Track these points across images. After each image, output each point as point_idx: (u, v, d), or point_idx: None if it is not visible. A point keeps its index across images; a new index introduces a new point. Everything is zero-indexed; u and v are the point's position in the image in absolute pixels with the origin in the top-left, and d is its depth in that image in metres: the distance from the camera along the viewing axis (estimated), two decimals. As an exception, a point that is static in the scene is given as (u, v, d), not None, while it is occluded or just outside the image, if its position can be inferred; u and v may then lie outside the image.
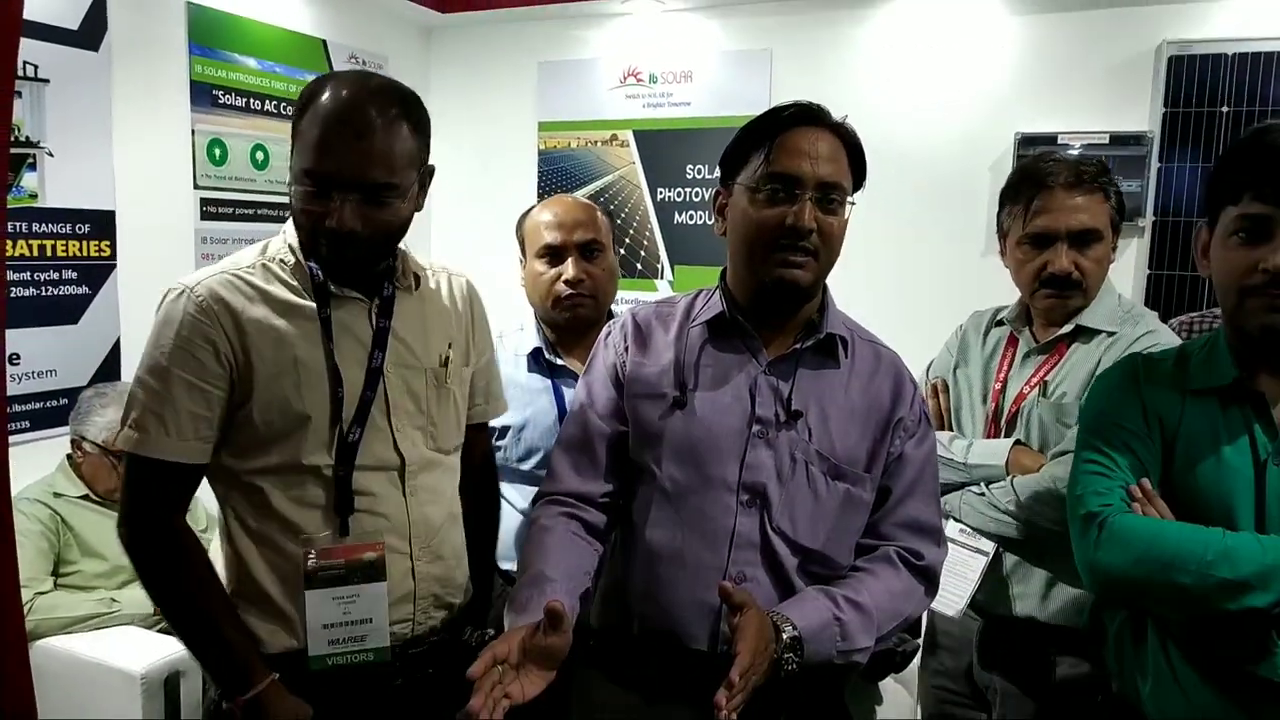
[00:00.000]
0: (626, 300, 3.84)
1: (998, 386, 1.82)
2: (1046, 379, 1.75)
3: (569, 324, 1.92)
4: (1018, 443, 1.72)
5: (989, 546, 1.74)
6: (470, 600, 1.58)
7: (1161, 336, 1.70)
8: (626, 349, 1.45)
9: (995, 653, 1.79)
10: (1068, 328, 1.75)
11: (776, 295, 1.36)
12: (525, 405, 1.92)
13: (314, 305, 1.39)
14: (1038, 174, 1.74)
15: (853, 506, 1.37)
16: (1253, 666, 1.22)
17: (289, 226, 1.43)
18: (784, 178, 1.32)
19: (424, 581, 1.46)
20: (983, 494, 1.72)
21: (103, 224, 2.87)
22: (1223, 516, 1.26)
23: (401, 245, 1.47)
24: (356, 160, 1.31)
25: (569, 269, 1.88)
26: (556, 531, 1.37)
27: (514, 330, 2.02)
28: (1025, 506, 1.64)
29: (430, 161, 1.44)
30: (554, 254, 1.90)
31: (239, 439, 1.37)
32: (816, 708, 1.33)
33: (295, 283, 1.40)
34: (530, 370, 1.94)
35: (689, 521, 1.35)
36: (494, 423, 1.90)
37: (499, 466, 1.92)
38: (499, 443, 1.93)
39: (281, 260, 1.41)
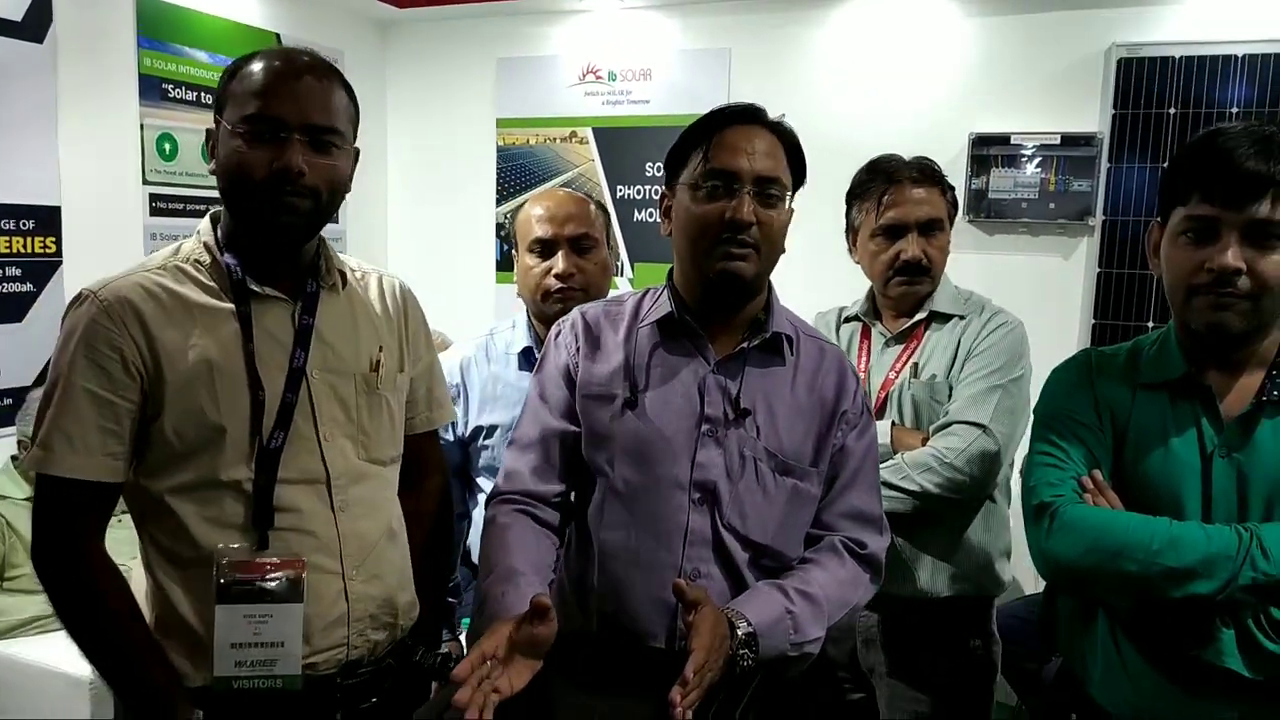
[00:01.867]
0: (586, 298, 3.85)
1: (861, 377, 1.90)
2: (914, 360, 1.88)
3: (559, 318, 1.90)
4: (893, 424, 1.85)
5: None
6: (419, 621, 1.49)
7: (1008, 317, 1.88)
8: (578, 349, 1.45)
9: (891, 635, 1.91)
10: (921, 314, 1.91)
11: (721, 288, 1.37)
12: (514, 404, 1.86)
13: (231, 306, 1.30)
14: (887, 171, 1.91)
15: (800, 501, 1.39)
16: (1198, 652, 1.25)
17: (204, 225, 1.36)
18: (722, 174, 1.34)
19: (359, 602, 1.35)
20: None
21: (48, 220, 2.81)
22: (1171, 506, 1.29)
23: (325, 237, 1.40)
24: (304, 101, 1.27)
25: (559, 263, 1.84)
26: (516, 528, 1.37)
27: (505, 327, 1.99)
28: (920, 481, 1.75)
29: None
30: (545, 248, 1.87)
31: (151, 456, 1.28)
32: (779, 702, 1.34)
33: (211, 283, 1.31)
34: (520, 368, 1.91)
35: (642, 521, 1.35)
36: (482, 421, 1.91)
37: (486, 467, 1.91)
38: (487, 442, 1.90)
39: (196, 260, 1.32)
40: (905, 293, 1.91)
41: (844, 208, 1.98)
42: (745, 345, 1.39)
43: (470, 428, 1.92)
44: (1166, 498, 1.31)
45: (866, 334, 1.98)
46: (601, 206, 1.99)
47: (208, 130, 1.33)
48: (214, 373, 1.27)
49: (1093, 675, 1.39)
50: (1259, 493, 1.27)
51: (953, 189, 1.95)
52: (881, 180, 1.90)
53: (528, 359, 1.91)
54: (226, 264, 1.31)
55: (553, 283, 1.85)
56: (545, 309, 1.88)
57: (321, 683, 1.33)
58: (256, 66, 1.28)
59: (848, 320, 2.03)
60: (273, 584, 1.28)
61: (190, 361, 1.26)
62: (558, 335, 1.49)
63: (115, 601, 1.27)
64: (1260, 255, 1.24)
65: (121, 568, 1.37)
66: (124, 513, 2.66)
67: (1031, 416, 1.50)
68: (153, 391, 1.26)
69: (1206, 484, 1.30)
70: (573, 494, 1.46)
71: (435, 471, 1.58)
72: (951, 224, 1.94)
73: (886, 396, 1.89)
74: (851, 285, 2.05)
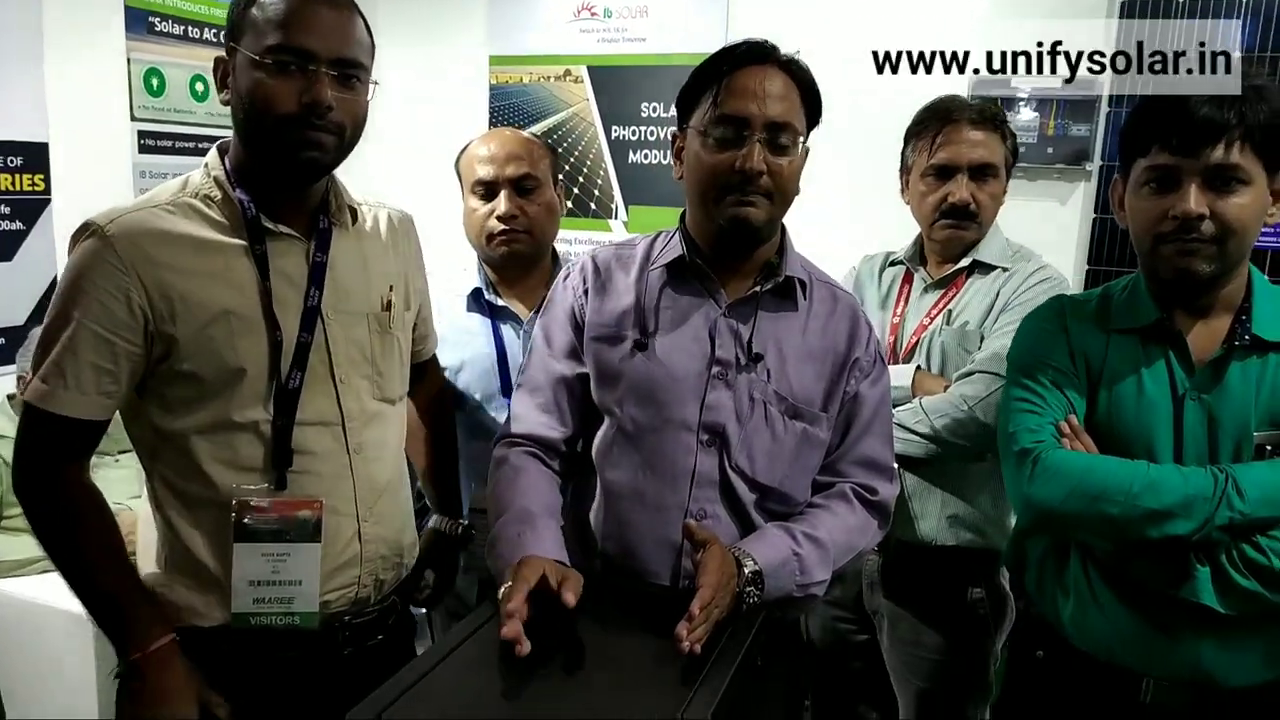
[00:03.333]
0: (579, 240, 3.81)
1: (895, 320, 1.93)
2: (950, 308, 1.87)
3: (505, 261, 1.88)
4: (918, 368, 1.84)
5: None
6: (440, 499, 1.65)
7: (1052, 272, 1.86)
8: (586, 292, 1.45)
9: (892, 579, 1.93)
10: (965, 262, 1.88)
11: (733, 236, 1.37)
12: (463, 346, 1.88)
13: (243, 243, 1.28)
14: (944, 110, 1.88)
15: (809, 445, 1.40)
16: (1174, 589, 1.30)
17: (211, 158, 1.33)
18: (732, 119, 1.32)
19: (371, 544, 1.38)
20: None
21: (36, 157, 2.76)
22: (1144, 449, 1.34)
23: (336, 174, 1.39)
24: (332, 33, 1.24)
25: (501, 204, 1.83)
26: (529, 470, 1.39)
27: (458, 271, 1.97)
28: (935, 425, 1.75)
29: (375, 94, 1.37)
30: (487, 189, 1.85)
31: (165, 395, 1.27)
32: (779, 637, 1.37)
33: (223, 219, 1.28)
34: (469, 310, 1.91)
35: (650, 461, 1.37)
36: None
37: None
38: None
39: (206, 196, 1.29)
40: (951, 237, 1.88)
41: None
42: (758, 289, 1.39)
43: None
44: (1140, 440, 1.35)
45: (909, 279, 1.97)
46: (549, 146, 1.96)
47: (218, 59, 1.29)
48: (230, 314, 1.25)
49: (1064, 615, 1.43)
50: (1229, 434, 1.32)
51: (1014, 136, 1.90)
52: (937, 119, 1.87)
53: (476, 301, 1.91)
54: (240, 200, 1.28)
55: (495, 225, 1.83)
56: (490, 252, 1.87)
57: (332, 620, 1.36)
58: None
59: (893, 264, 2.01)
60: (291, 524, 1.30)
61: (204, 302, 1.24)
62: (566, 278, 1.49)
63: (93, 521, 1.28)
64: (1221, 199, 1.28)
65: (120, 507, 1.39)
66: (122, 452, 2.67)
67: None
68: (160, 332, 1.24)
69: (1178, 426, 1.34)
70: (577, 439, 1.47)
71: (440, 393, 1.70)
72: (1009, 173, 1.89)
73: (917, 342, 1.87)
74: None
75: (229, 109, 1.30)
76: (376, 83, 1.34)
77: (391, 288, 1.43)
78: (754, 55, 1.35)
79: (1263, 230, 1.37)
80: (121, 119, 3.06)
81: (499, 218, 1.83)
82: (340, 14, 1.26)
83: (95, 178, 2.92)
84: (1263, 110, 1.27)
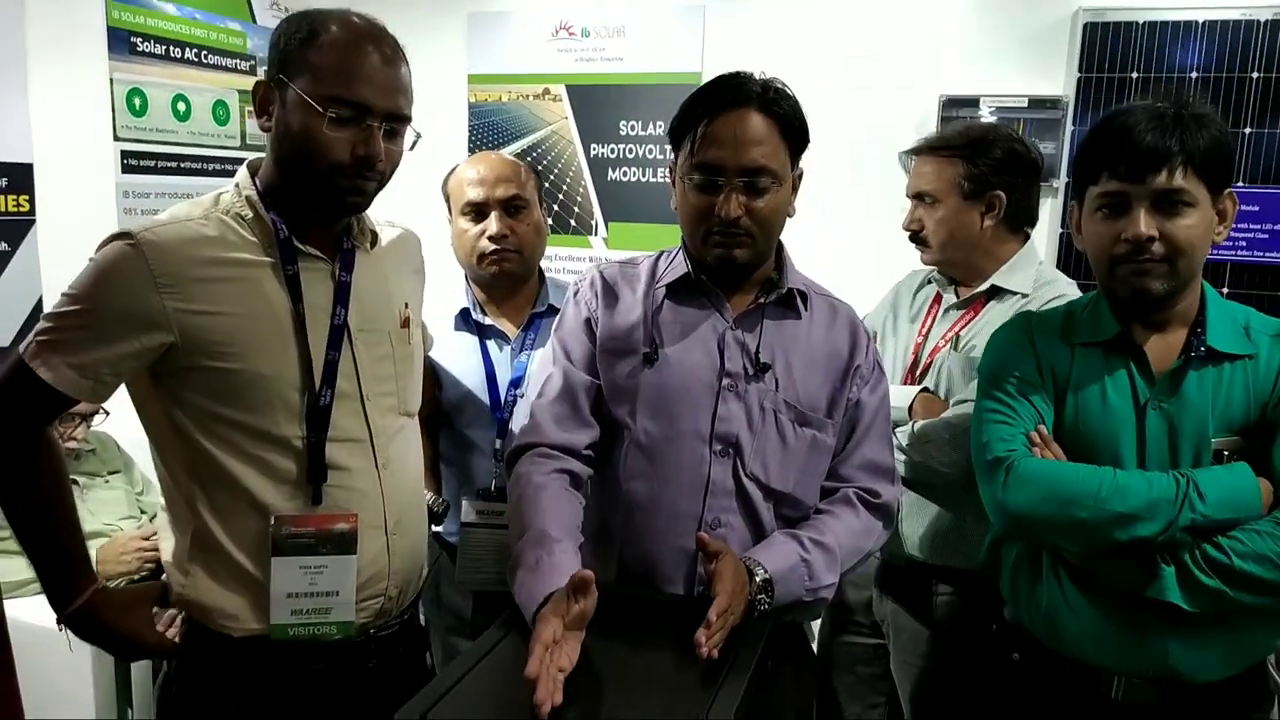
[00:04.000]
0: (560, 257, 3.86)
1: (919, 340, 1.96)
2: (959, 333, 1.89)
3: (495, 280, 1.93)
4: (925, 390, 1.87)
5: None
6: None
7: (1071, 300, 1.80)
8: (597, 305, 1.49)
9: (889, 588, 1.98)
10: (983, 286, 1.90)
11: (721, 273, 1.43)
12: (451, 364, 1.93)
13: (272, 262, 1.32)
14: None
15: (818, 450, 1.46)
16: (1141, 589, 1.37)
17: (243, 178, 1.36)
18: (708, 167, 1.38)
19: (397, 557, 1.42)
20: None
21: (21, 177, 2.76)
22: (1110, 456, 1.41)
23: None
24: (389, 88, 1.29)
25: (492, 224, 1.88)
26: (551, 489, 1.40)
27: (445, 292, 2.01)
28: (916, 448, 1.78)
29: None
30: (477, 210, 1.91)
31: (196, 405, 1.30)
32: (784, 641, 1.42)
33: (254, 238, 1.32)
34: (457, 329, 1.95)
35: (665, 472, 1.42)
36: None
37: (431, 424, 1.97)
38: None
39: (238, 215, 1.32)
40: (921, 257, 2.00)
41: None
42: (762, 300, 1.45)
43: None
44: (1105, 447, 1.42)
45: (939, 298, 2.01)
46: (533, 169, 2.02)
47: (259, 84, 1.31)
48: (261, 330, 1.29)
49: (1037, 617, 1.49)
50: (1189, 440, 1.39)
51: (967, 158, 1.89)
52: (906, 154, 2.00)
53: (465, 320, 1.96)
54: (273, 221, 1.31)
55: (487, 245, 1.89)
56: (480, 272, 1.93)
57: (359, 631, 1.40)
58: (338, 38, 1.27)
59: (928, 283, 2.05)
60: (328, 537, 1.34)
61: (235, 318, 1.28)
62: (576, 293, 1.54)
63: (50, 476, 1.33)
64: (1169, 221, 1.35)
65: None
66: (112, 473, 2.67)
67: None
68: (185, 346, 1.27)
69: (1141, 434, 1.41)
70: (596, 445, 1.50)
71: (430, 384, 1.67)
72: (971, 192, 1.89)
73: (933, 363, 1.90)
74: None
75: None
76: (419, 135, 1.40)
77: (407, 304, 1.48)
78: (732, 99, 1.39)
79: (1222, 244, 1.47)
80: (105, 139, 3.07)
81: (490, 238, 1.88)
82: (395, 68, 1.31)
83: (79, 198, 2.92)
84: (1203, 136, 1.34)
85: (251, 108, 1.37)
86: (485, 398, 1.91)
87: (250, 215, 1.33)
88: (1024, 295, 1.87)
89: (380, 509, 1.40)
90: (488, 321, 1.95)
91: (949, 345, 1.90)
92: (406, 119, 1.34)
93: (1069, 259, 3.28)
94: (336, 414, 1.35)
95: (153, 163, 3.22)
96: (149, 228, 1.28)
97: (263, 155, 1.38)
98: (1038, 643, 1.50)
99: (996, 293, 1.90)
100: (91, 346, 1.26)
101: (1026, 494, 1.39)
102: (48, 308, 2.70)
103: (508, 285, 1.95)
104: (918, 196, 1.95)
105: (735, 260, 1.40)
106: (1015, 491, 1.40)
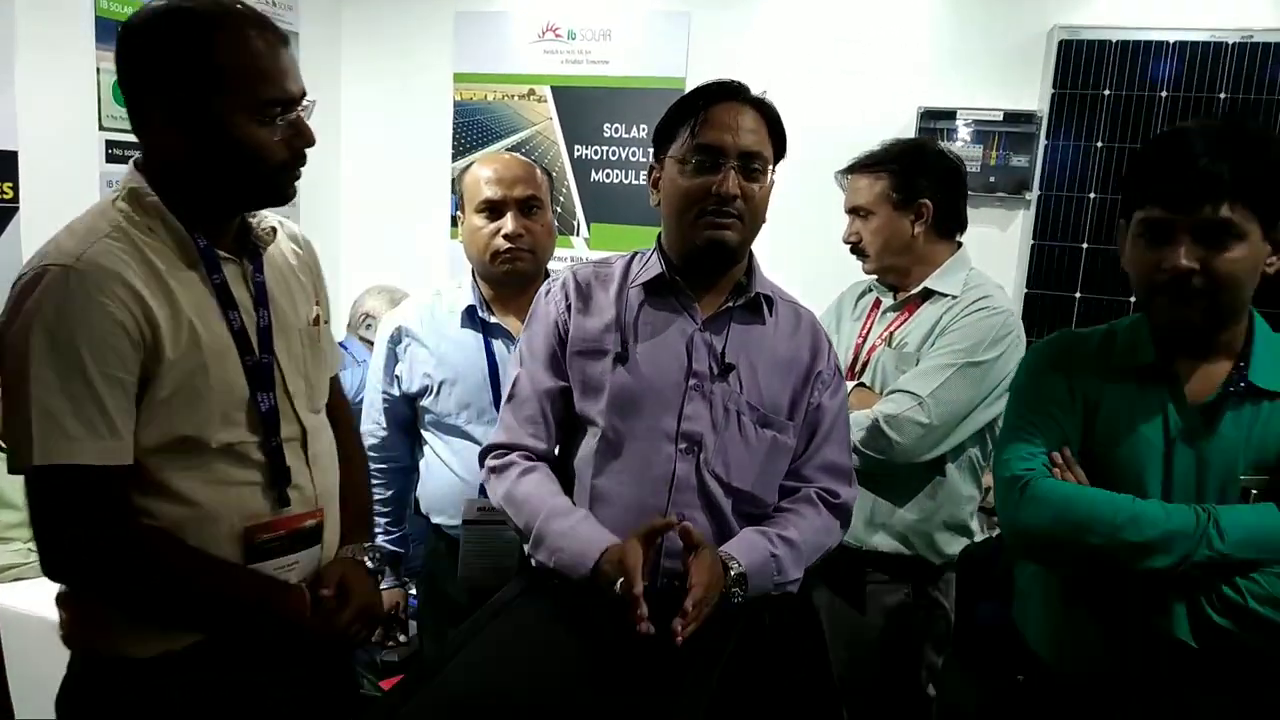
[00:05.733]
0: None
1: (859, 340, 2.10)
2: (894, 332, 2.02)
3: (507, 278, 1.95)
4: (860, 385, 2.00)
5: None
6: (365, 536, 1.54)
7: (993, 301, 1.97)
8: (569, 306, 1.54)
9: (830, 576, 2.04)
10: (916, 290, 2.04)
11: (708, 256, 1.48)
12: (457, 361, 1.95)
13: (193, 273, 1.26)
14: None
15: (778, 451, 1.51)
16: (1151, 622, 1.33)
17: (140, 183, 1.26)
18: (709, 149, 1.44)
19: (329, 549, 1.43)
20: None
21: (5, 165, 2.77)
22: (1134, 485, 1.36)
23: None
24: (295, 70, 1.27)
25: (508, 223, 1.90)
26: (540, 469, 1.50)
27: (454, 287, 2.05)
28: (853, 438, 1.82)
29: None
30: (493, 209, 1.92)
31: (152, 432, 1.22)
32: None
33: (168, 247, 1.25)
34: (463, 326, 1.97)
35: (631, 468, 1.46)
36: (430, 378, 1.95)
37: (433, 422, 1.99)
38: (434, 398, 1.96)
39: (149, 226, 1.24)
40: (863, 267, 2.12)
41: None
42: (730, 305, 1.50)
43: (418, 385, 1.99)
44: (1130, 478, 1.37)
45: (878, 304, 2.14)
46: (546, 171, 2.05)
47: (152, 97, 1.23)
48: (199, 339, 1.24)
49: (1042, 637, 1.48)
50: (1216, 475, 1.34)
51: (894, 172, 2.03)
52: (840, 174, 2.12)
53: (471, 317, 1.98)
54: (188, 230, 1.26)
55: (501, 243, 1.91)
56: (493, 269, 1.94)
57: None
58: (238, 35, 1.23)
59: (870, 290, 2.19)
60: (299, 535, 1.36)
61: (177, 329, 1.22)
62: (548, 293, 1.58)
63: (175, 547, 1.24)
64: (1213, 254, 1.28)
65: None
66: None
67: (1007, 395, 1.57)
68: (149, 360, 1.20)
69: (1168, 468, 1.35)
70: (557, 447, 1.56)
71: (345, 408, 1.61)
72: (901, 204, 2.03)
73: (869, 360, 2.03)
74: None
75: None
76: (314, 100, 1.34)
77: (317, 302, 1.46)
78: (727, 93, 1.47)
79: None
80: (90, 128, 3.08)
81: (506, 236, 1.91)
82: (286, 46, 1.29)
83: (63, 187, 2.93)
84: (1258, 164, 1.26)
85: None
86: (489, 395, 1.94)
87: (158, 224, 1.25)
88: (954, 297, 2.00)
89: (315, 504, 1.40)
90: (494, 320, 1.97)
91: (884, 343, 2.03)
92: (305, 95, 1.30)
93: (1040, 270, 3.36)
94: (268, 420, 1.32)
95: (137, 152, 3.22)
96: (77, 255, 1.18)
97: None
98: (1043, 665, 1.48)
99: (929, 295, 2.03)
100: (110, 404, 1.18)
101: (1039, 514, 1.35)
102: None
103: (518, 284, 1.97)
104: (854, 211, 2.08)
105: (724, 243, 1.45)
106: (1028, 510, 1.36)
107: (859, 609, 2.05)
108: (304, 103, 1.29)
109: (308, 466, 1.38)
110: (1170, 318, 1.34)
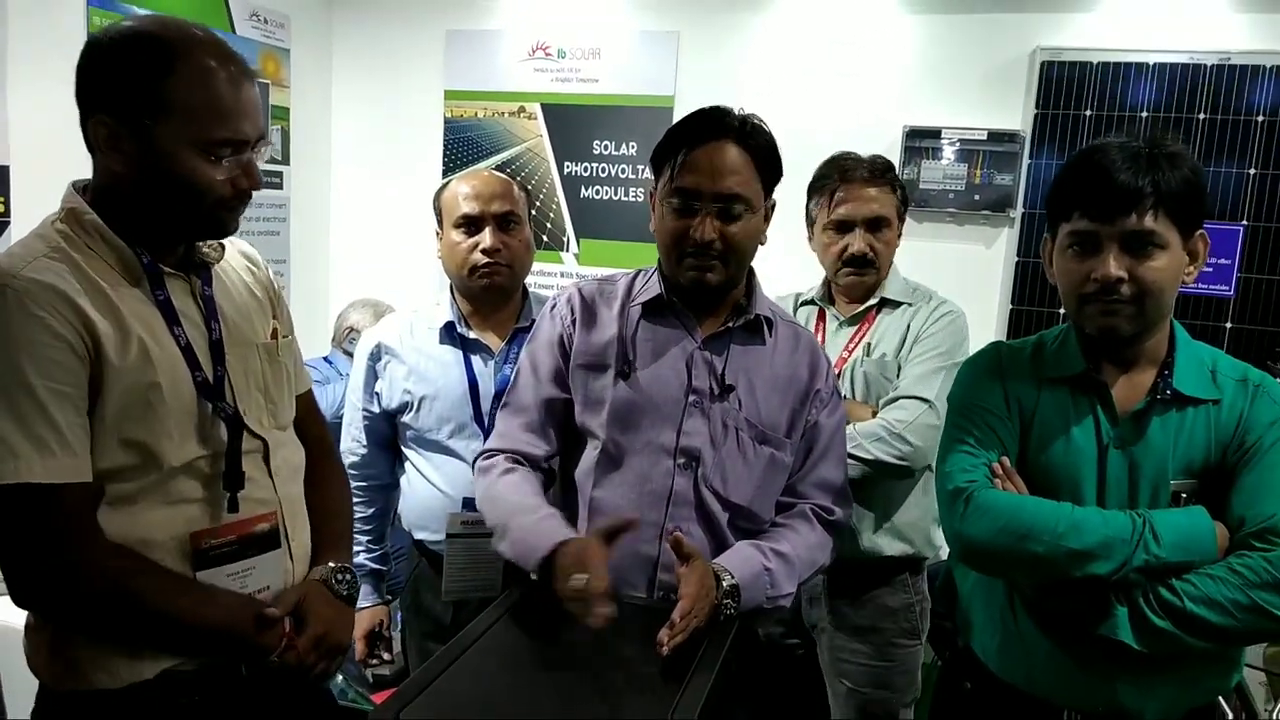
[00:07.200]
0: (532, 271, 3.91)
1: None
2: (868, 341, 2.04)
3: (484, 293, 1.96)
4: (844, 398, 1.99)
5: None
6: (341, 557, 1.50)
7: (952, 306, 2.06)
8: (573, 321, 1.56)
9: (835, 591, 2.09)
10: (873, 300, 2.07)
11: (693, 295, 1.51)
12: (436, 377, 1.96)
13: (138, 291, 1.25)
14: (841, 168, 2.05)
15: (776, 468, 1.53)
16: (1094, 627, 1.36)
17: (80, 205, 1.26)
18: (685, 192, 1.46)
19: (298, 562, 1.41)
20: None
21: (-3, 180, 2.78)
22: (1071, 492, 1.40)
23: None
24: (256, 110, 1.26)
25: (486, 238, 1.92)
26: (519, 471, 1.51)
27: (430, 305, 2.06)
28: (872, 449, 1.90)
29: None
30: (471, 224, 1.94)
31: (99, 442, 1.19)
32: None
33: (110, 265, 1.24)
34: (442, 342, 1.98)
35: (630, 482, 1.48)
36: (409, 395, 1.95)
37: (414, 438, 1.99)
38: (413, 414, 1.97)
39: (89, 245, 1.23)
40: (853, 283, 2.07)
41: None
42: (730, 325, 1.52)
43: (398, 401, 1.99)
44: (1066, 484, 1.41)
45: (822, 317, 2.14)
46: (524, 187, 2.07)
47: (101, 121, 1.24)
48: (148, 356, 1.22)
49: (989, 646, 1.51)
50: (1148, 480, 1.39)
51: (903, 187, 2.10)
52: (836, 177, 2.04)
53: (449, 333, 1.99)
54: (132, 249, 1.25)
55: (480, 258, 1.92)
56: (471, 284, 1.96)
57: None
58: (199, 68, 1.22)
59: (804, 304, 2.18)
60: (250, 540, 1.33)
61: (123, 346, 1.20)
62: (553, 308, 1.60)
63: (151, 570, 1.22)
64: (1139, 263, 1.34)
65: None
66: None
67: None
68: (95, 374, 1.18)
69: (1102, 474, 1.40)
70: (556, 458, 1.58)
71: (319, 423, 1.59)
72: (902, 219, 2.08)
73: (840, 374, 2.03)
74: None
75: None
76: (271, 143, 1.35)
77: (276, 316, 1.46)
78: (712, 129, 1.47)
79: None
80: (81, 144, 3.07)
81: (484, 251, 1.92)
82: (251, 85, 1.27)
83: (54, 201, 2.92)
84: (1175, 177, 1.33)
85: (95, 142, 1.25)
86: (469, 410, 1.95)
87: (99, 242, 1.24)
88: (909, 304, 2.06)
89: (278, 516, 1.38)
90: (472, 335, 1.98)
91: (860, 353, 2.04)
92: (264, 136, 1.30)
93: (1024, 287, 3.40)
94: (230, 428, 1.31)
95: (128, 168, 3.23)
96: (14, 273, 1.16)
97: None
98: (989, 673, 1.50)
99: (885, 304, 2.08)
100: (64, 420, 1.16)
101: (984, 525, 1.38)
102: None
103: (495, 299, 1.99)
104: (871, 222, 2.02)
105: (707, 283, 1.48)
106: (973, 522, 1.39)
107: (861, 625, 2.06)
108: (259, 147, 1.28)
109: (270, 477, 1.37)
110: (1099, 325, 1.39)
